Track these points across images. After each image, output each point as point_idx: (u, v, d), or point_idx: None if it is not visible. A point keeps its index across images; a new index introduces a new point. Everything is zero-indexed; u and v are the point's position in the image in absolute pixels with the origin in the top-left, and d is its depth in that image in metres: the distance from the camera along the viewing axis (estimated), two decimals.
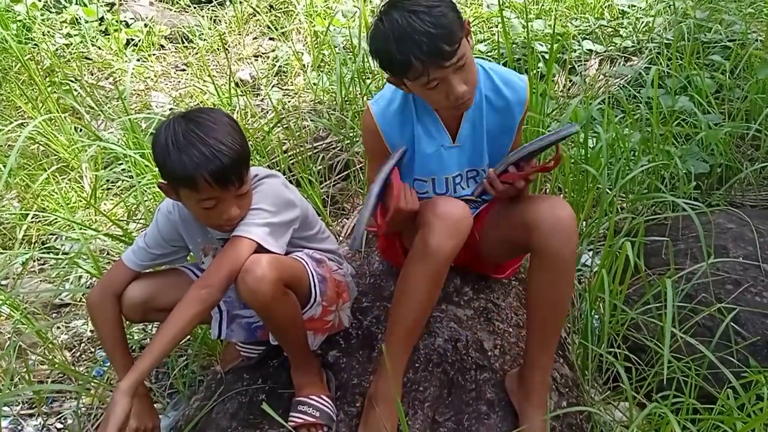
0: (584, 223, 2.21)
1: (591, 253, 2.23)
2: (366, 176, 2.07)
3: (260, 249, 1.40)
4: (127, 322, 1.58)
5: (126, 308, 1.50)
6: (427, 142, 1.58)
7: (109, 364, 2.07)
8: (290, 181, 2.55)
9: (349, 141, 2.73)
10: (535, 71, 2.81)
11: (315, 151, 2.82)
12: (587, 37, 3.64)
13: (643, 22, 3.72)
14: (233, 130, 1.35)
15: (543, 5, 3.95)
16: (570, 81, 3.33)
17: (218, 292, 1.35)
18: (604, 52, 3.50)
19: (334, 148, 2.82)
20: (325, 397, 1.56)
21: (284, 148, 2.78)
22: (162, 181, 1.39)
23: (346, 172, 2.73)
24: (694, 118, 2.64)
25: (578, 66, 3.40)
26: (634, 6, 3.91)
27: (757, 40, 3.19)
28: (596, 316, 1.93)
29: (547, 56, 3.39)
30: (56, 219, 2.53)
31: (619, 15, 3.90)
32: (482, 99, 1.55)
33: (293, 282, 1.43)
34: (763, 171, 2.56)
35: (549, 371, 1.55)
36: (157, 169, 1.38)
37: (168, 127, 1.33)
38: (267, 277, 1.33)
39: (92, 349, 2.17)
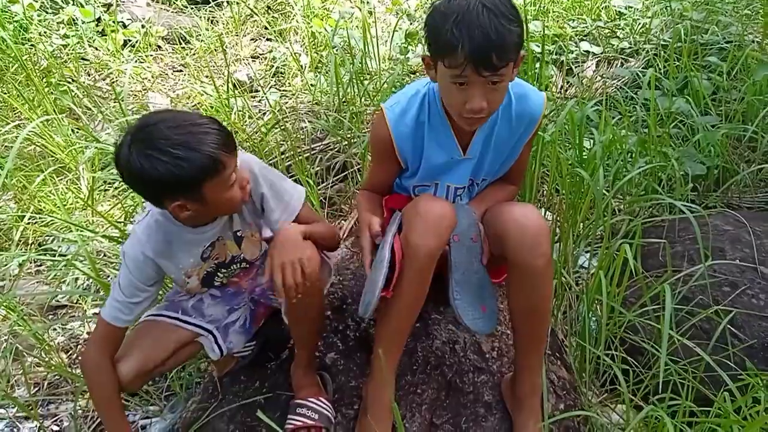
0: (581, 225, 2.21)
1: (588, 255, 2.23)
2: (364, 177, 2.06)
3: None
4: None
5: (125, 384, 1.45)
6: (438, 153, 1.56)
7: None
8: None
9: (346, 142, 2.73)
10: (532, 72, 2.81)
11: (313, 153, 2.82)
12: (584, 38, 3.65)
13: (640, 24, 3.72)
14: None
15: (540, 6, 3.95)
16: (567, 82, 3.33)
17: None
18: (602, 53, 3.51)
19: (332, 150, 2.81)
20: (323, 400, 1.56)
21: (282, 149, 2.77)
22: None
23: (344, 174, 2.73)
24: (691, 119, 2.65)
25: (576, 67, 3.41)
26: (631, 7, 3.92)
27: (753, 42, 3.20)
28: (594, 319, 1.93)
29: (545, 57, 3.39)
30: (53, 220, 2.53)
31: (616, 16, 3.91)
32: (498, 112, 1.51)
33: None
34: (760, 173, 2.57)
35: (538, 377, 1.53)
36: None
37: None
38: (315, 257, 1.40)
39: None
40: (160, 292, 1.60)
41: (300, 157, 2.62)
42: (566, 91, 3.28)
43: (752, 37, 3.30)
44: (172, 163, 1.21)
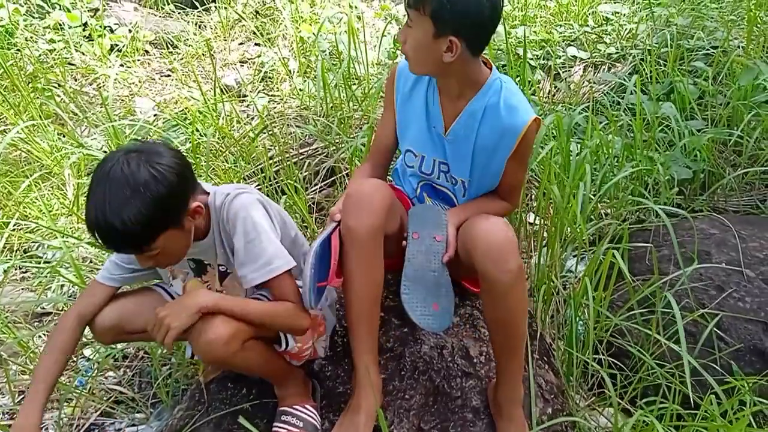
0: (568, 228, 2.22)
1: (576, 259, 2.23)
2: (371, 139, 2.11)
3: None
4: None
5: (97, 332, 1.48)
6: (422, 116, 1.65)
7: (90, 373, 2.05)
8: (276, 188, 2.57)
9: (334, 147, 2.73)
10: (518, 77, 2.82)
11: (301, 157, 2.81)
12: (572, 43, 3.67)
13: (626, 29, 3.75)
14: (144, 196, 1.22)
15: (527, 12, 3.97)
16: (555, 87, 3.35)
17: None
18: (589, 58, 3.53)
19: (320, 154, 2.81)
20: (309, 407, 1.55)
21: (270, 154, 2.76)
22: None
23: (332, 178, 2.73)
24: (677, 124, 2.67)
25: (563, 72, 3.43)
26: (618, 13, 3.95)
27: (738, 47, 3.23)
28: (581, 323, 1.93)
29: (532, 62, 3.41)
30: (38, 227, 2.50)
31: (603, 22, 3.94)
32: (482, 109, 1.57)
33: (255, 334, 1.40)
34: (746, 177, 2.59)
35: (514, 386, 1.53)
36: None
37: (107, 161, 1.25)
38: (219, 339, 1.30)
39: (74, 359, 2.15)
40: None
41: (288, 162, 2.61)
42: (554, 95, 3.30)
43: (737, 43, 3.33)
44: (90, 190, 1.25)
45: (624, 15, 3.94)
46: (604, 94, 3.18)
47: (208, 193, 1.44)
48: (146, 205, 1.21)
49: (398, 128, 1.74)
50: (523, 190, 2.22)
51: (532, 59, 3.42)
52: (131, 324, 1.49)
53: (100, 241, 1.25)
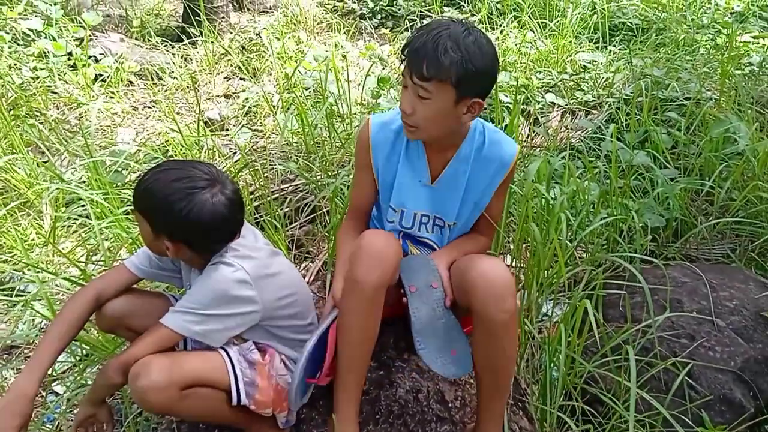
0: (545, 272, 2.24)
1: (552, 303, 2.26)
2: (348, 193, 2.08)
3: None
4: None
5: (99, 316, 1.52)
6: (408, 173, 1.64)
7: (60, 410, 2.01)
8: (256, 224, 2.56)
9: (315, 185, 2.74)
10: (499, 121, 2.89)
11: (282, 193, 2.82)
12: (550, 90, 3.76)
13: (603, 78, 3.86)
14: (170, 188, 1.37)
15: (508, 58, 4.07)
16: (533, 131, 3.42)
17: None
18: (566, 105, 3.62)
19: (301, 191, 2.82)
20: None
21: (251, 189, 2.77)
22: None
23: (312, 216, 2.74)
24: (651, 172, 2.73)
25: (541, 117, 3.50)
26: (595, 62, 4.07)
27: (711, 99, 3.34)
28: (555, 368, 1.94)
29: (511, 107, 3.48)
30: (12, 259, 2.47)
31: (581, 69, 4.05)
32: (471, 153, 1.61)
33: (201, 382, 1.41)
34: (717, 226, 2.65)
35: (498, 429, 1.54)
36: None
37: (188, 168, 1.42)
38: (153, 385, 1.31)
39: (43, 394, 2.10)
40: None
41: (269, 198, 2.62)
42: (532, 140, 3.37)
43: (710, 94, 3.44)
44: None
45: (601, 64, 4.06)
46: (581, 140, 3.26)
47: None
48: (159, 193, 1.37)
49: (381, 187, 1.72)
50: (501, 233, 2.26)
51: (511, 104, 3.50)
52: (132, 321, 1.53)
53: None
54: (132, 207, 1.47)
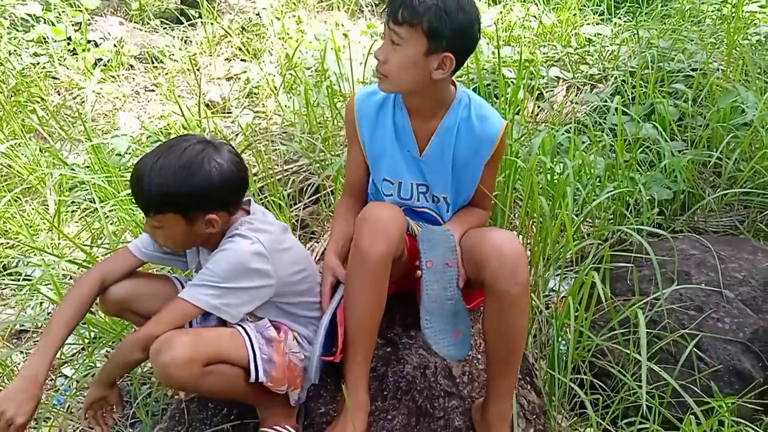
0: (552, 248, 2.23)
1: (558, 278, 2.25)
2: (344, 173, 2.07)
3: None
4: None
5: (104, 300, 1.51)
6: (397, 145, 1.63)
7: (69, 392, 2.02)
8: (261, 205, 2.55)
9: (319, 165, 2.73)
10: (504, 97, 2.85)
11: (285, 174, 2.81)
12: (555, 64, 3.71)
13: (608, 51, 3.81)
14: (183, 170, 1.35)
15: (512, 32, 4.02)
16: (538, 107, 3.38)
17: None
18: (571, 79, 3.57)
19: (305, 171, 2.81)
20: (289, 428, 1.54)
21: (254, 170, 2.76)
22: None
23: (316, 196, 2.72)
24: (657, 145, 2.70)
25: (546, 92, 3.46)
26: (600, 34, 4.01)
27: (718, 69, 3.29)
28: (563, 342, 1.94)
29: (515, 82, 3.45)
30: (18, 243, 2.47)
31: (586, 43, 3.99)
32: (456, 125, 1.59)
33: (221, 358, 1.40)
34: (725, 198, 2.62)
35: (507, 403, 1.53)
36: None
37: (181, 137, 1.43)
38: (176, 360, 1.30)
39: (52, 377, 2.11)
40: None
41: (272, 179, 2.61)
42: (537, 115, 3.33)
43: (717, 65, 3.39)
44: None
45: (606, 36, 4.01)
46: (586, 115, 3.22)
47: (248, 212, 1.50)
48: (175, 181, 1.34)
49: (370, 161, 1.71)
50: (508, 209, 2.25)
51: (515, 79, 3.46)
52: (138, 305, 1.52)
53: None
54: (148, 215, 1.42)
